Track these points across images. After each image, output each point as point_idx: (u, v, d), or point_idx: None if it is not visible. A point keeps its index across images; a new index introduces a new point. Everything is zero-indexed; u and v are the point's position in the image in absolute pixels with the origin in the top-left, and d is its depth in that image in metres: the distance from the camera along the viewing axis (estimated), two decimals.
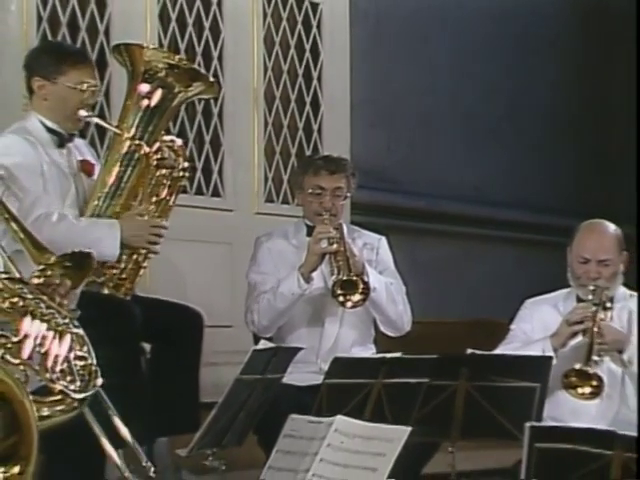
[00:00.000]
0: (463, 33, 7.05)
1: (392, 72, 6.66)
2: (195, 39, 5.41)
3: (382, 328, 4.44)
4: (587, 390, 3.76)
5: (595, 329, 3.84)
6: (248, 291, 4.41)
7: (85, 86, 3.97)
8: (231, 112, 5.54)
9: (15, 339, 2.71)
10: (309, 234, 4.34)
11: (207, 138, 5.49)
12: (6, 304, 2.81)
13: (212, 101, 5.34)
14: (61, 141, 4.01)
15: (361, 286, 4.16)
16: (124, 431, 3.02)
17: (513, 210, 7.30)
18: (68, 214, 3.91)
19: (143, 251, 4.04)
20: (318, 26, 5.89)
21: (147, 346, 4.16)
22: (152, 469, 2.98)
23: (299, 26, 5.82)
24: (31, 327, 2.75)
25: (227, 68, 5.51)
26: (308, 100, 5.87)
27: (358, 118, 6.09)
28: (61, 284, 3.08)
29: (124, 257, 4.00)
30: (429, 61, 6.89)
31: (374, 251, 4.47)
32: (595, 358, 3.77)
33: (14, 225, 3.41)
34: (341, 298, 4.17)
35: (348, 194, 4.43)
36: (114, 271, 4.00)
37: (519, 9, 7.37)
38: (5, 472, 2.49)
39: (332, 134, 5.92)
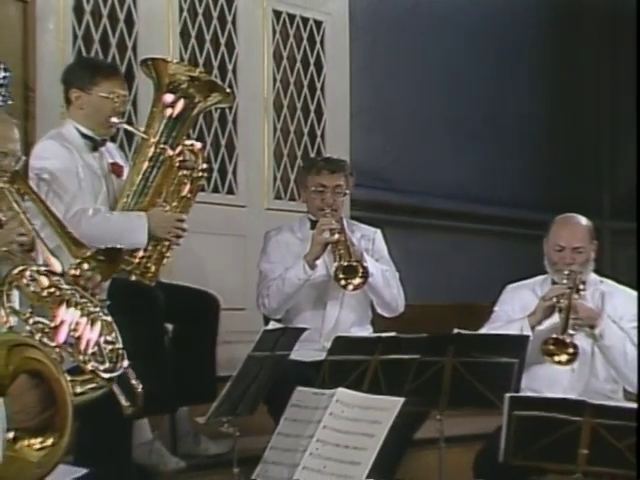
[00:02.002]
0: (450, 48, 7.04)
1: (387, 83, 6.65)
2: (212, 54, 5.40)
3: (379, 310, 4.44)
4: (563, 358, 3.77)
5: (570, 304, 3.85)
6: (259, 279, 4.41)
7: (116, 96, 3.97)
8: (244, 119, 5.53)
9: (52, 324, 2.71)
10: (312, 227, 4.34)
11: (223, 142, 5.48)
12: (45, 293, 2.81)
13: (227, 109, 5.33)
14: (94, 145, 4.01)
15: (361, 270, 4.16)
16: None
17: (494, 206, 7.29)
18: (102, 208, 3.92)
19: (166, 242, 4.02)
20: (321, 42, 5.87)
21: (170, 326, 4.16)
22: (140, 387, 2.92)
23: (304, 42, 5.81)
24: (66, 314, 2.75)
25: (240, 80, 5.50)
26: (312, 108, 5.85)
27: (357, 124, 6.08)
28: (92, 278, 3.09)
29: (149, 248, 3.99)
30: (419, 73, 6.88)
31: (370, 241, 4.47)
32: (570, 331, 3.78)
33: (53, 222, 3.41)
34: (343, 282, 4.18)
35: (347, 191, 4.43)
36: (140, 260, 3.99)
37: (499, 26, 7.36)
38: (42, 442, 2.50)
39: (334, 138, 5.91)
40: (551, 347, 3.78)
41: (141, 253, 3.96)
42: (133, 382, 2.86)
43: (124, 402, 2.77)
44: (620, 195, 8.26)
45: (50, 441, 2.47)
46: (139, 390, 2.85)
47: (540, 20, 7.77)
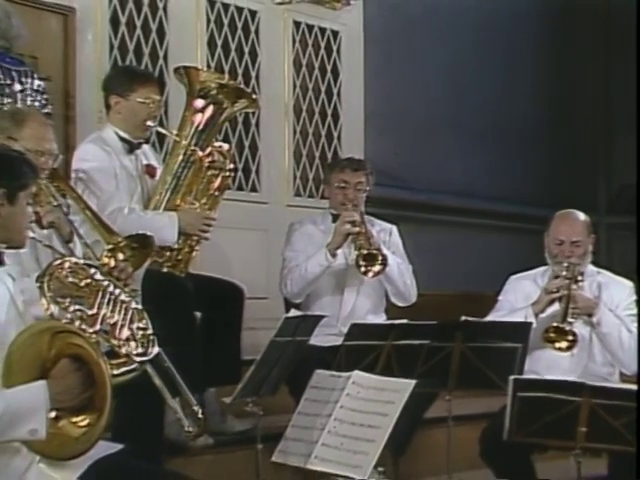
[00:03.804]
0: (456, 56, 7.03)
1: (398, 89, 6.64)
2: (237, 62, 5.41)
3: (392, 299, 4.42)
4: (564, 344, 3.77)
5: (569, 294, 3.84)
6: (283, 265, 4.41)
7: (152, 101, 3.98)
8: (266, 122, 5.53)
9: (90, 312, 2.73)
10: (334, 221, 4.34)
11: (246, 143, 5.49)
12: (82, 284, 2.82)
13: (251, 113, 5.34)
14: (131, 148, 4.02)
15: (380, 258, 4.15)
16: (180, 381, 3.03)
17: (498, 203, 7.27)
18: (136, 208, 3.93)
19: (195, 237, 4.04)
20: (338, 51, 5.88)
21: (198, 314, 4.17)
22: (200, 411, 2.99)
23: (322, 51, 5.81)
24: (103, 303, 2.78)
25: (263, 86, 5.51)
26: (329, 112, 5.85)
27: (370, 127, 6.07)
28: (125, 269, 3.11)
29: (179, 242, 4.00)
30: (428, 79, 6.87)
31: (388, 235, 4.46)
32: (570, 320, 3.77)
33: (89, 214, 3.43)
34: (363, 269, 4.16)
35: (367, 188, 4.42)
36: (171, 253, 4.00)
37: (502, 35, 7.34)
38: (83, 420, 2.52)
39: (349, 140, 5.91)
40: (552, 335, 3.77)
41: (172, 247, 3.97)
42: (194, 408, 2.89)
43: (187, 427, 2.80)
44: (615, 192, 8.24)
45: (90, 419, 2.49)
46: (200, 416, 2.88)
47: (540, 23, 7.74)
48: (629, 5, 7.30)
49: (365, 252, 4.15)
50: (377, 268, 4.15)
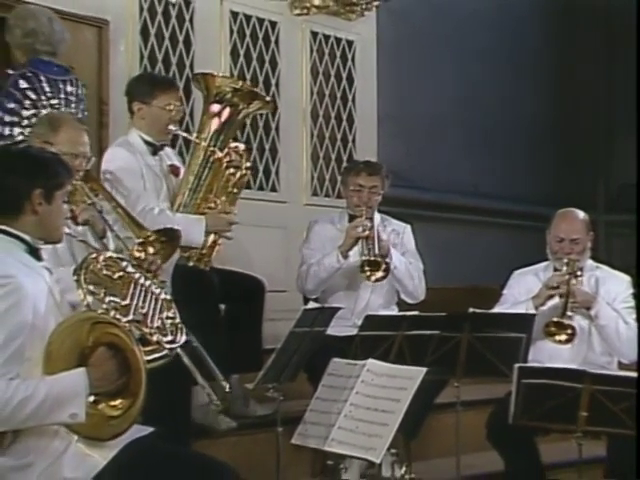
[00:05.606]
0: (464, 63, 7.02)
1: (409, 94, 6.64)
2: (258, 70, 5.42)
3: (402, 297, 4.41)
4: (563, 337, 3.77)
5: (569, 289, 3.84)
6: (300, 262, 4.42)
7: (172, 106, 3.99)
8: (285, 126, 5.54)
9: (123, 303, 2.75)
10: (350, 221, 4.32)
11: (267, 146, 5.50)
12: (116, 276, 2.85)
13: (271, 117, 5.35)
14: (154, 150, 4.03)
15: (383, 266, 4.14)
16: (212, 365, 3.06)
17: (503, 202, 7.26)
18: (165, 208, 3.94)
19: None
20: (352, 59, 5.87)
21: (222, 306, 4.19)
22: (227, 386, 3.02)
23: (338, 59, 5.81)
24: (135, 294, 2.80)
25: (282, 92, 5.51)
26: (344, 117, 5.85)
27: (383, 130, 6.07)
28: (153, 262, 3.13)
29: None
30: (437, 86, 6.86)
31: (399, 236, 4.44)
32: (569, 314, 3.77)
33: (120, 211, 3.45)
34: (367, 273, 4.16)
35: (381, 192, 4.40)
36: (197, 249, 4.02)
37: (506, 39, 7.33)
38: (120, 404, 2.54)
39: (363, 143, 5.90)
40: (552, 329, 3.77)
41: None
42: (222, 383, 2.91)
43: (216, 402, 2.85)
44: (614, 192, 8.20)
45: (126, 403, 2.51)
46: (227, 391, 2.93)
47: (542, 26, 7.71)
48: (629, 5, 7.25)
49: (371, 259, 4.14)
50: (380, 275, 4.14)
